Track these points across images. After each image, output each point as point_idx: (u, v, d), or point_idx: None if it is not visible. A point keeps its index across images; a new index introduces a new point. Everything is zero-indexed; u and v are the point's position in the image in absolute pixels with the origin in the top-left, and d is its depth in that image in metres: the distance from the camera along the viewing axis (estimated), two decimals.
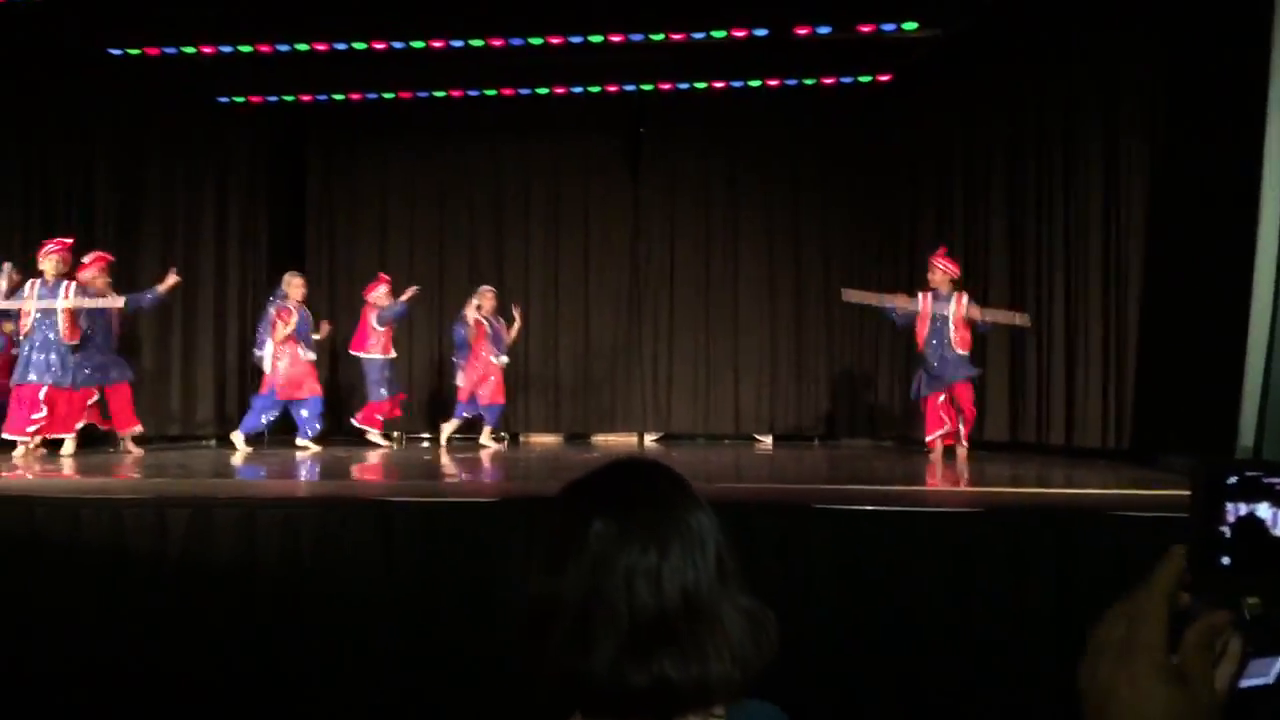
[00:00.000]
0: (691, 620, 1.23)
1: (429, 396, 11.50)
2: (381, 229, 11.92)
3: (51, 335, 8.14)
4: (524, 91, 10.79)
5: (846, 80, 10.39)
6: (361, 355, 10.06)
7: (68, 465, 7.60)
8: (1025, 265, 9.29)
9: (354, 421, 10.17)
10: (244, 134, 11.31)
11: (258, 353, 9.61)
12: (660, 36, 9.20)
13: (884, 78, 10.27)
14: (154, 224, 10.41)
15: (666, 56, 9.78)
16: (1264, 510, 0.98)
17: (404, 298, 9.95)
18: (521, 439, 11.47)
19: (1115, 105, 8.37)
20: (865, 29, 8.99)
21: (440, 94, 10.78)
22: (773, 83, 10.48)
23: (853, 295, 9.20)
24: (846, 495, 5.34)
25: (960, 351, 8.29)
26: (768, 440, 11.30)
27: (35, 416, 8.04)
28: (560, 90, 10.80)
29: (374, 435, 10.12)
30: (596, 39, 9.23)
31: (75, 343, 8.24)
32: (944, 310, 8.30)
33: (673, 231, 11.68)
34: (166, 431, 10.15)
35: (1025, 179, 9.36)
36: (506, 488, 6.13)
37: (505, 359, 10.12)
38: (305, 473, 7.47)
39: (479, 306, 10.02)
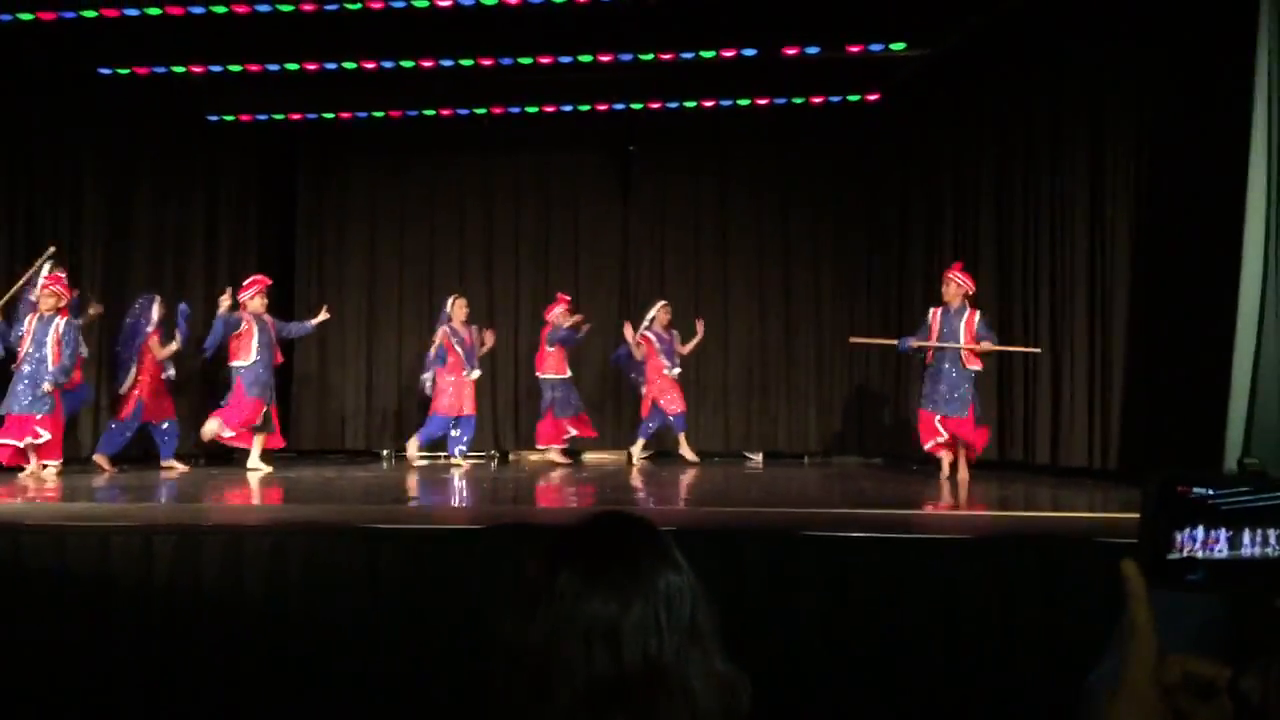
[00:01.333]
0: (650, 682, 1.22)
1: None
2: (371, 246, 11.92)
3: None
4: (514, 110, 10.82)
5: (835, 99, 10.44)
6: (539, 375, 10.40)
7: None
8: (1013, 283, 9.30)
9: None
10: (234, 152, 11.31)
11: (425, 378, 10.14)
12: (650, 57, 9.24)
13: (872, 97, 10.32)
14: (143, 242, 10.39)
15: (656, 76, 9.82)
16: (1198, 533, 0.99)
17: (573, 323, 10.37)
18: (512, 457, 11.46)
19: (1101, 123, 8.40)
20: (854, 49, 9.04)
21: (430, 113, 10.80)
22: (762, 102, 10.53)
23: (859, 342, 9.29)
24: (835, 519, 5.35)
25: (969, 369, 8.19)
26: (758, 458, 11.30)
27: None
28: (550, 109, 10.83)
29: (552, 453, 10.47)
30: (586, 59, 9.26)
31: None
32: (955, 325, 8.24)
33: (662, 249, 11.70)
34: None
35: (1013, 197, 9.38)
36: (491, 513, 6.12)
37: (678, 369, 10.35)
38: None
39: (652, 320, 10.32)
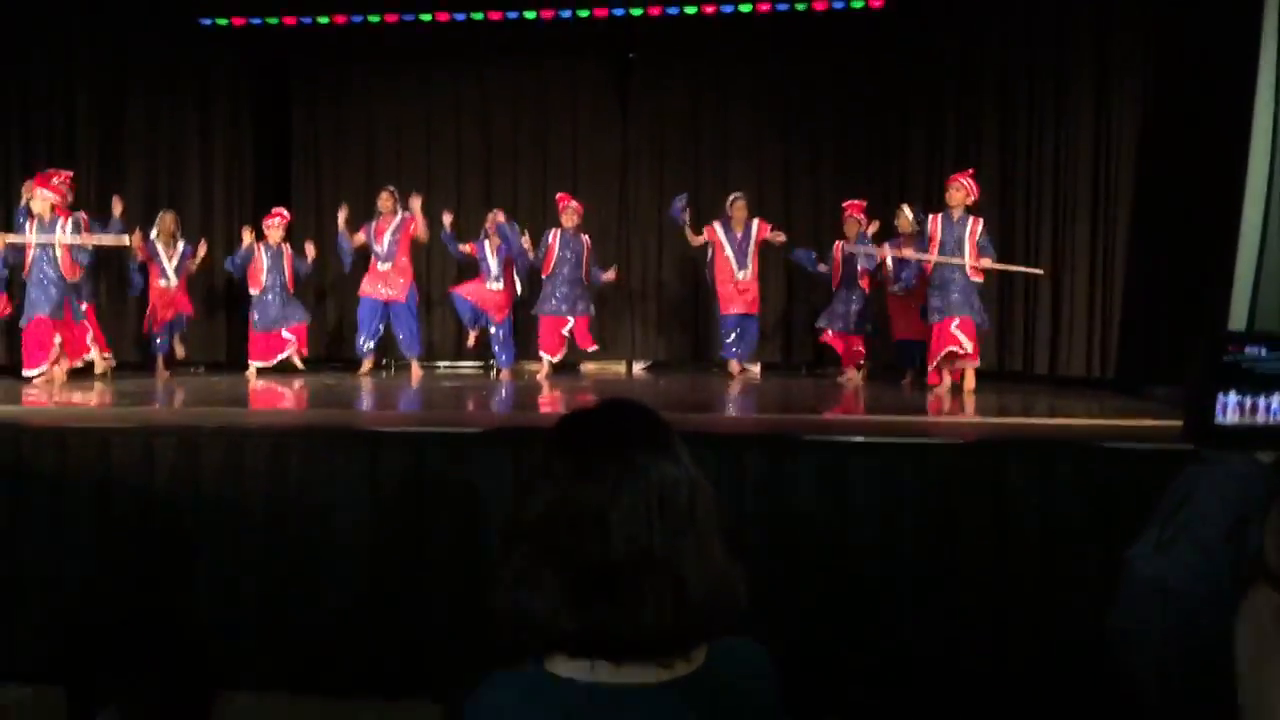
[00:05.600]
0: (637, 570, 1.22)
1: None
2: (368, 157, 11.82)
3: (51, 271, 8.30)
4: (512, 15, 10.61)
5: (839, 6, 10.24)
6: None
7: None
8: (1015, 194, 9.24)
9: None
10: (227, 60, 11.12)
11: None
12: None
13: (877, 4, 10.13)
14: (137, 154, 10.33)
15: None
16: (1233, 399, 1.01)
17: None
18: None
19: (1108, 37, 8.30)
20: None
21: (426, 18, 10.60)
22: (764, 8, 10.34)
23: (856, 249, 9.08)
24: (833, 426, 5.38)
25: (973, 280, 7.96)
26: (756, 369, 11.31)
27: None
28: (548, 15, 10.61)
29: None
30: None
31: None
32: (958, 235, 7.96)
33: (662, 159, 11.60)
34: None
35: (1017, 108, 9.27)
36: (493, 418, 6.15)
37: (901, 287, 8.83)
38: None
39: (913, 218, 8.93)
